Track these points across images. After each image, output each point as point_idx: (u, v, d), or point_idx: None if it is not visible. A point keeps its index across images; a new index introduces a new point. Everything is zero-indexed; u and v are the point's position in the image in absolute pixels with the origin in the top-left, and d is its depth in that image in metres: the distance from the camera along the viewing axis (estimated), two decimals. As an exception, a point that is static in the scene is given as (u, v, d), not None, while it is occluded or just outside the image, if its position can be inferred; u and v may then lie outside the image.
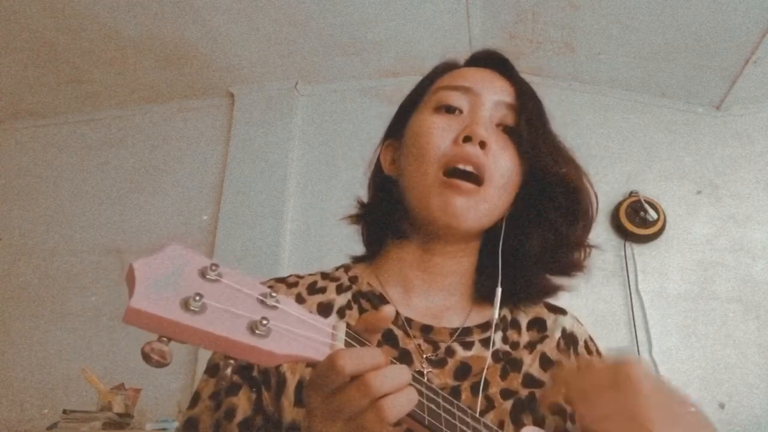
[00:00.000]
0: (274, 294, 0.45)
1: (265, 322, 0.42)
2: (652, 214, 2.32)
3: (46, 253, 2.78)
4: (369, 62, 2.69)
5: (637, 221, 2.32)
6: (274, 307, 0.44)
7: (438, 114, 0.75)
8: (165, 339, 0.39)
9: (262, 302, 0.44)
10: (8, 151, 3.10)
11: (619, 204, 2.37)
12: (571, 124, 2.52)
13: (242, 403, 0.66)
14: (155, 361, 0.39)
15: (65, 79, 2.82)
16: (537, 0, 2.28)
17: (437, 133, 0.72)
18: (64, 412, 2.08)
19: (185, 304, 0.39)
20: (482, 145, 0.70)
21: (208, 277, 0.42)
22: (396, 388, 0.45)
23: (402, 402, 0.45)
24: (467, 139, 0.70)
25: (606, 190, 2.39)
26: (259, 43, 2.57)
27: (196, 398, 0.69)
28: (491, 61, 0.81)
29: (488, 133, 0.71)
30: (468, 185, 0.69)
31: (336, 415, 0.45)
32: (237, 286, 0.43)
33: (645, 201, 2.33)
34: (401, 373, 0.46)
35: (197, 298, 0.40)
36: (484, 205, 0.71)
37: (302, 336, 0.45)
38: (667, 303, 2.27)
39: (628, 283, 2.30)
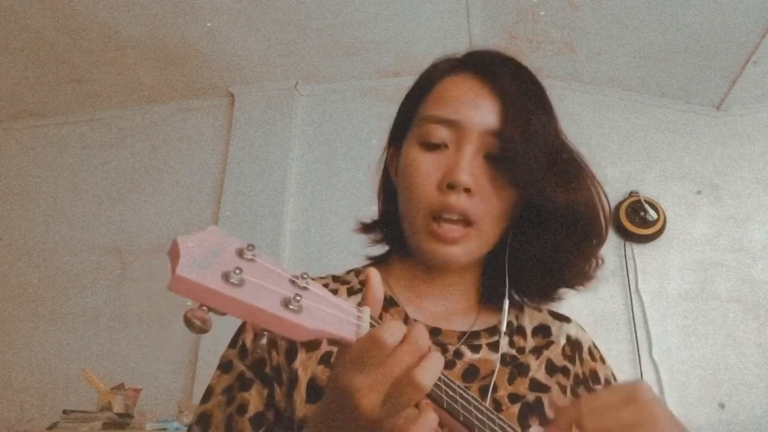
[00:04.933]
0: (305, 276, 0.48)
1: (298, 298, 0.45)
2: (652, 214, 2.32)
3: (46, 253, 2.78)
4: (369, 62, 2.69)
5: (637, 221, 2.32)
6: (305, 288, 0.48)
7: (424, 150, 0.73)
8: (205, 308, 0.42)
9: (293, 282, 0.47)
10: (8, 151, 3.10)
11: (619, 204, 2.37)
12: (571, 124, 2.51)
13: (254, 398, 0.67)
14: (197, 326, 0.42)
15: (65, 79, 2.82)
16: (537, 0, 2.28)
17: (423, 176, 0.71)
18: (64, 412, 2.08)
19: (226, 277, 0.42)
20: (467, 190, 0.69)
21: (245, 256, 0.45)
22: (425, 350, 0.48)
23: (432, 366, 0.48)
24: (451, 186, 0.69)
25: (606, 190, 2.39)
26: (259, 43, 2.57)
27: (209, 393, 0.70)
28: (481, 67, 0.77)
29: (472, 175, 0.69)
30: (455, 231, 0.69)
31: (376, 388, 0.47)
32: (271, 266, 0.46)
33: (645, 201, 2.33)
34: (425, 334, 0.49)
35: (237, 271, 0.43)
36: (476, 243, 0.71)
37: (332, 315, 0.48)
38: (667, 303, 2.27)
39: (628, 283, 2.30)
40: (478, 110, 0.72)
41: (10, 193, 2.98)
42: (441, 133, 0.72)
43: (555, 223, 0.72)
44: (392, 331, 0.48)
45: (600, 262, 0.76)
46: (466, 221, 0.70)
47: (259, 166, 2.66)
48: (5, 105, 3.03)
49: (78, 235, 2.78)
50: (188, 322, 0.41)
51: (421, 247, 0.72)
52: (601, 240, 0.75)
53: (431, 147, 0.72)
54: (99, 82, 2.85)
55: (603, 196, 0.76)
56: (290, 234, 2.55)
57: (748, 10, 2.06)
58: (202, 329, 0.42)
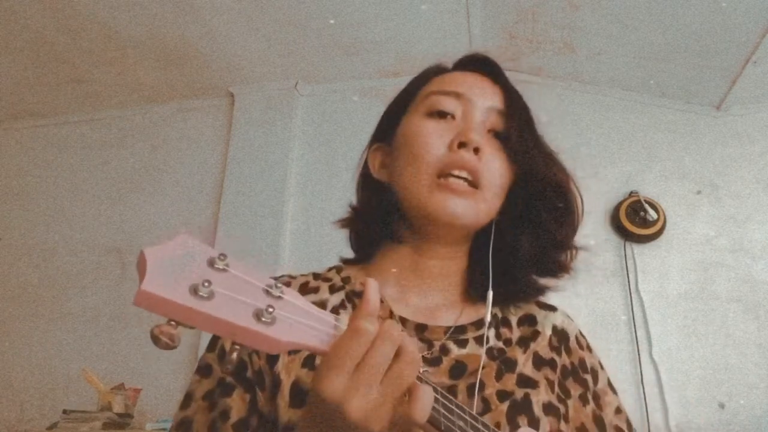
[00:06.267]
0: (279, 285, 0.46)
1: (270, 310, 0.44)
2: (652, 214, 2.32)
3: (46, 253, 2.78)
4: (369, 62, 2.69)
5: (637, 221, 2.32)
6: (279, 298, 0.46)
7: (430, 119, 0.75)
8: (174, 323, 0.41)
9: (267, 292, 0.45)
10: (8, 151, 3.10)
11: (619, 204, 2.37)
12: (571, 124, 2.52)
13: (237, 404, 0.65)
14: (164, 343, 0.40)
15: (65, 79, 2.82)
16: (537, 0, 2.28)
17: (431, 138, 0.73)
18: (64, 412, 2.08)
19: (194, 290, 0.41)
20: (476, 150, 0.71)
21: (216, 266, 0.43)
22: (400, 340, 0.49)
23: (414, 348, 0.49)
24: (462, 145, 0.71)
25: (606, 190, 2.39)
26: (259, 43, 2.57)
27: (188, 399, 0.69)
28: (480, 65, 0.82)
29: (482, 138, 0.72)
30: (464, 186, 0.70)
31: (371, 383, 0.46)
32: (244, 276, 0.45)
33: (645, 201, 2.33)
34: (397, 326, 0.50)
35: (206, 284, 0.41)
36: (481, 206, 0.72)
37: (306, 325, 0.47)
38: (667, 303, 2.27)
39: (628, 283, 2.30)
40: (482, 90, 0.77)
41: (10, 193, 2.98)
42: (449, 104, 0.75)
43: (543, 203, 0.75)
44: (370, 320, 0.47)
45: (576, 252, 0.78)
46: (473, 183, 0.71)
47: (259, 166, 2.66)
48: (5, 105, 3.03)
49: (78, 235, 2.78)
50: (155, 338, 0.40)
51: (427, 202, 0.71)
52: (574, 227, 0.77)
53: (438, 117, 0.75)
54: (99, 82, 2.84)
55: (576, 188, 0.79)
56: (290, 234, 2.55)
57: (748, 10, 2.06)
58: (168, 346, 0.40)
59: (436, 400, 0.51)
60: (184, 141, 2.89)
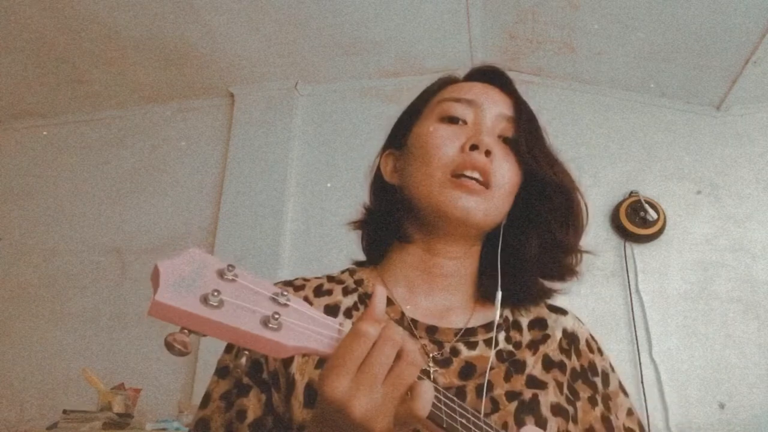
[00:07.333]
0: (285, 293, 0.49)
1: (277, 316, 0.46)
2: (652, 214, 2.32)
3: (46, 253, 2.78)
4: (369, 62, 2.69)
5: (637, 221, 2.32)
6: (286, 305, 0.48)
7: (443, 123, 0.78)
8: (186, 331, 0.43)
9: (274, 300, 0.48)
10: (8, 151, 3.11)
11: (619, 204, 2.37)
12: (571, 124, 2.52)
13: (253, 404, 0.67)
14: (177, 350, 0.43)
15: (65, 79, 2.82)
16: (537, 0, 2.28)
17: (443, 141, 0.76)
18: (64, 412, 2.08)
19: (205, 300, 0.43)
20: (487, 153, 0.74)
21: (225, 277, 0.46)
22: (401, 343, 0.50)
23: (415, 350, 0.50)
24: (474, 147, 0.74)
25: (606, 190, 2.39)
26: (259, 43, 2.57)
27: (206, 399, 0.70)
28: (490, 76, 0.85)
29: (492, 142, 0.75)
30: (476, 185, 0.73)
31: (373, 384, 0.48)
32: (251, 285, 0.47)
33: (645, 201, 2.33)
34: (399, 329, 0.51)
35: (215, 294, 0.44)
36: (491, 204, 0.74)
37: (311, 331, 0.49)
38: (667, 303, 2.27)
39: (628, 283, 2.30)
40: (492, 98, 0.80)
41: (10, 193, 2.98)
42: (461, 110, 0.79)
43: (550, 206, 0.77)
44: (372, 323, 0.49)
45: (581, 256, 0.80)
46: (484, 183, 0.73)
47: (259, 166, 2.66)
48: (5, 105, 3.03)
49: (78, 235, 2.78)
50: (169, 345, 0.43)
51: (439, 198, 0.73)
52: (579, 231, 0.79)
53: (450, 122, 0.78)
54: (99, 82, 2.85)
55: (581, 193, 0.81)
56: (290, 234, 2.55)
57: (748, 10, 2.06)
58: (182, 352, 0.43)
59: (438, 398, 0.52)
60: (184, 141, 2.89)
